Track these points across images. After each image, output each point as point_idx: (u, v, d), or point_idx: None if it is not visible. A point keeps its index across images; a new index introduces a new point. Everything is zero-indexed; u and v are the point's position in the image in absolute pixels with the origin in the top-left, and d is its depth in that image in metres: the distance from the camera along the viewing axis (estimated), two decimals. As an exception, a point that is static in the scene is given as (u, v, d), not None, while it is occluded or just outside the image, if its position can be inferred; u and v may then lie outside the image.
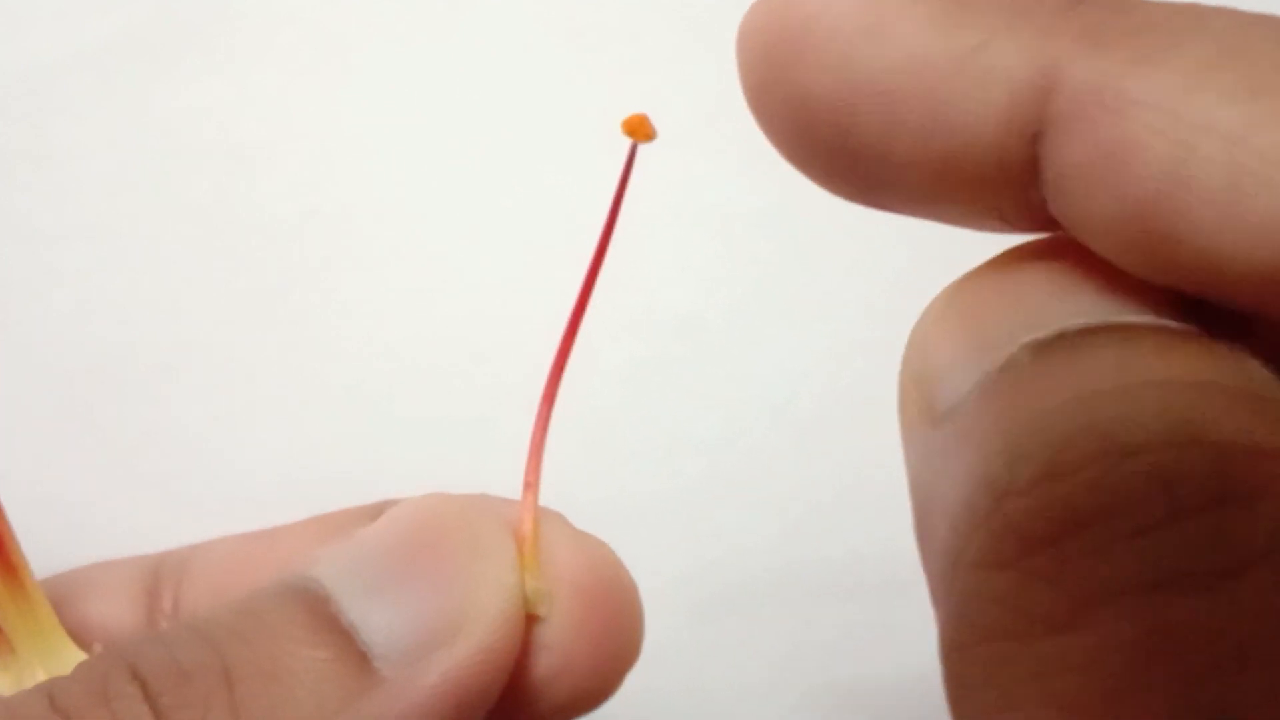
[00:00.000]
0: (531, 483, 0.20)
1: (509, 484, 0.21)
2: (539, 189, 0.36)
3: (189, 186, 0.36)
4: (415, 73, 0.37)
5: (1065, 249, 0.15)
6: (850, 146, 0.16)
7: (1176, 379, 0.14)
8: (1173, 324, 0.14)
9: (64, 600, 0.22)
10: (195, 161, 0.36)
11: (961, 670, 0.13)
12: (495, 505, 0.21)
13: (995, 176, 0.15)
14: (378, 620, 0.18)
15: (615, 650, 0.20)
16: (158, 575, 0.24)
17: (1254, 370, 0.14)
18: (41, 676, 0.20)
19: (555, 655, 0.20)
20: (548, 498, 0.21)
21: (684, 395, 0.34)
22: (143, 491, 0.35)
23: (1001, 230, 0.16)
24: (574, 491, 0.22)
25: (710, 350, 0.33)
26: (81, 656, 0.21)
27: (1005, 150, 0.15)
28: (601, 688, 0.20)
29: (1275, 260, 0.13)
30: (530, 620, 0.20)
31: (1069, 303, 0.15)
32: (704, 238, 0.36)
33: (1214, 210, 0.13)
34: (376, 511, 0.23)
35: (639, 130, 0.20)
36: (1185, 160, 0.14)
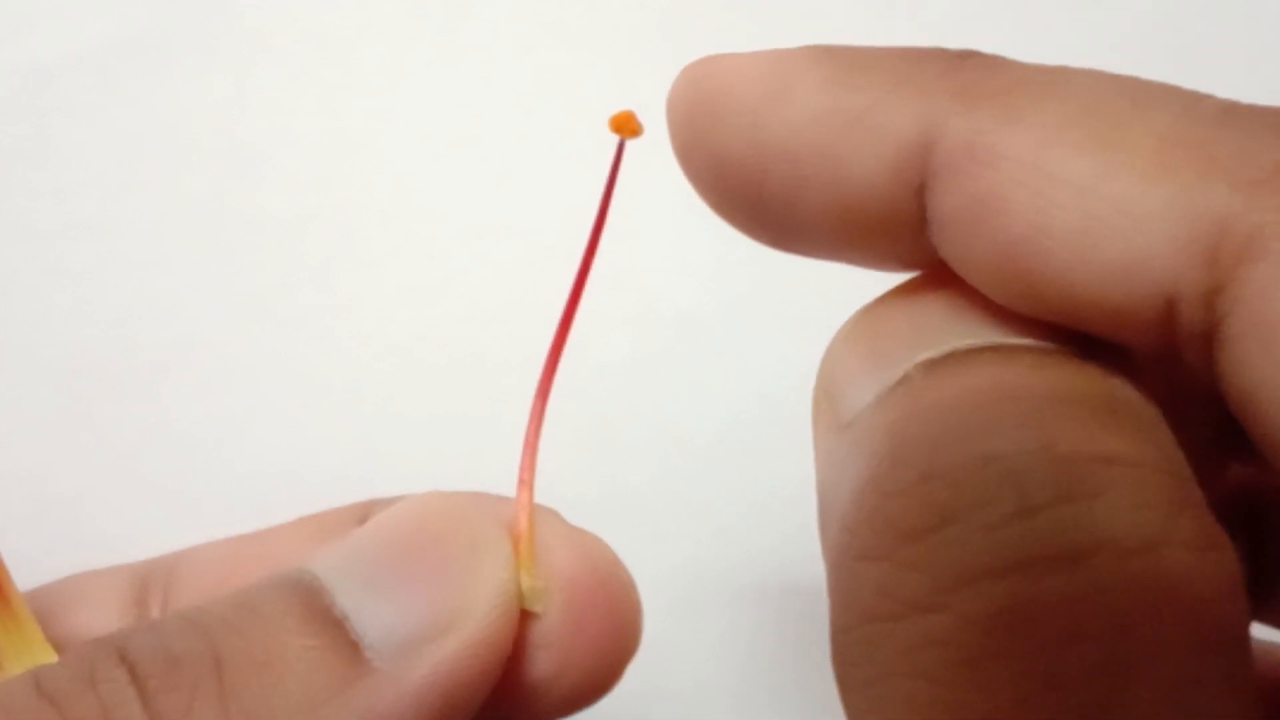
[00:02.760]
0: (526, 479, 0.20)
1: (505, 482, 0.21)
2: (537, 188, 0.36)
3: (189, 186, 0.36)
4: (414, 73, 0.37)
5: (960, 279, 0.17)
6: (763, 201, 0.17)
7: (1039, 394, 0.15)
8: (1048, 345, 0.16)
9: (50, 612, 0.22)
10: (195, 161, 0.36)
11: (845, 650, 0.15)
12: (491, 502, 0.21)
13: (889, 224, 0.17)
14: (371, 613, 0.18)
15: (613, 646, 0.20)
16: (145, 583, 0.24)
17: (1115, 387, 0.16)
18: None
19: (553, 652, 0.20)
20: (543, 494, 0.21)
21: (678, 391, 0.34)
22: (142, 491, 0.35)
23: (904, 270, 0.18)
24: (569, 488, 0.22)
25: (704, 345, 0.33)
26: None
27: (895, 201, 0.17)
28: (600, 683, 0.20)
29: (1124, 298, 0.15)
30: (527, 617, 0.20)
31: (960, 326, 0.17)
32: (699, 234, 0.35)
33: (1070, 254, 0.15)
34: (364, 511, 0.23)
35: (626, 126, 0.20)
36: (1044, 209, 0.15)
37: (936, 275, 0.17)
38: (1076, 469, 0.14)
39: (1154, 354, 0.16)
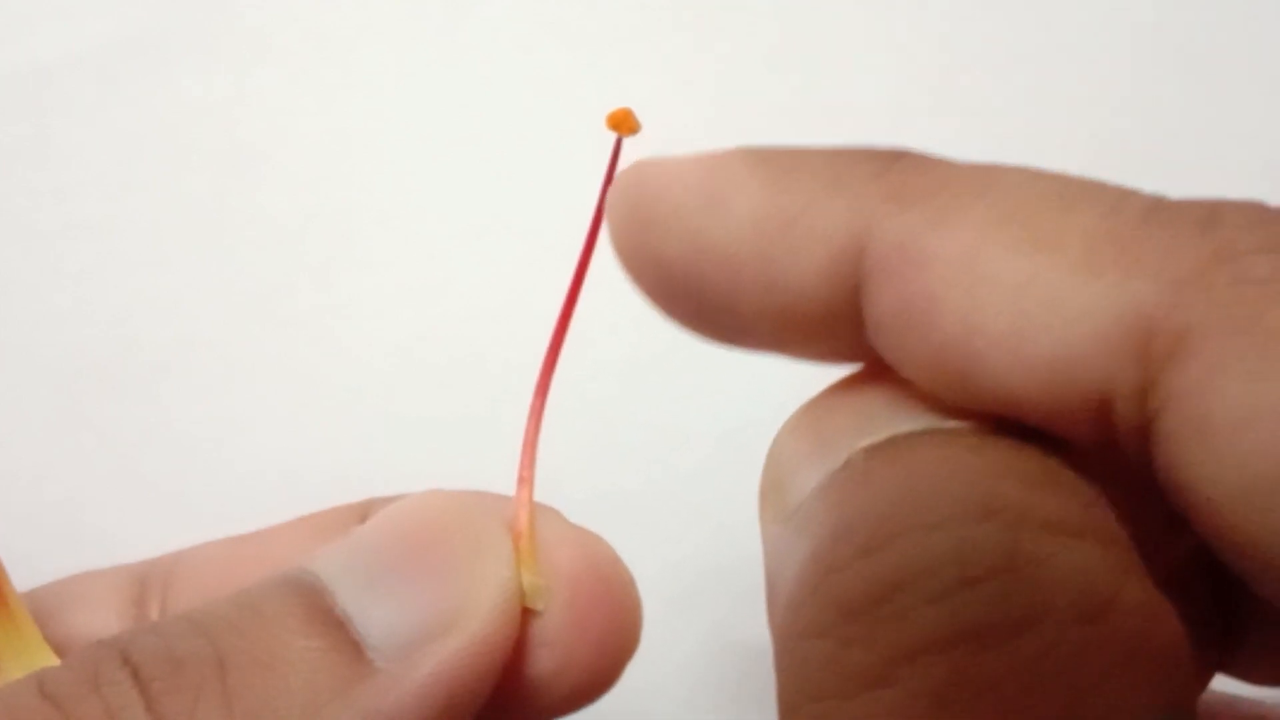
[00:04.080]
0: (526, 478, 0.21)
1: (505, 482, 0.21)
2: (537, 188, 0.36)
3: (189, 186, 0.36)
4: (414, 73, 0.37)
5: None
6: (704, 303, 0.18)
7: (979, 468, 0.16)
8: (987, 428, 0.16)
9: (49, 614, 0.22)
10: (196, 161, 0.36)
11: None
12: (491, 501, 0.21)
13: (827, 324, 0.17)
14: (373, 612, 0.18)
15: (613, 643, 0.20)
16: (144, 584, 0.24)
17: (1054, 464, 0.16)
18: None
19: (553, 649, 0.20)
20: (543, 493, 0.21)
21: (678, 389, 0.34)
22: (142, 491, 0.35)
23: (847, 362, 0.18)
24: (569, 487, 0.22)
25: (704, 344, 0.33)
26: None
27: (832, 302, 0.17)
28: (600, 681, 0.20)
29: (1058, 396, 0.15)
30: (528, 615, 0.20)
31: (901, 414, 0.17)
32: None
33: (1003, 354, 0.15)
34: (364, 510, 0.23)
35: (623, 124, 0.20)
36: (976, 310, 0.15)
37: (879, 368, 0.17)
38: (1018, 537, 0.14)
39: (1092, 444, 0.16)
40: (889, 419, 0.17)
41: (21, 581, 0.21)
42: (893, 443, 0.17)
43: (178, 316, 0.36)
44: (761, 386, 0.34)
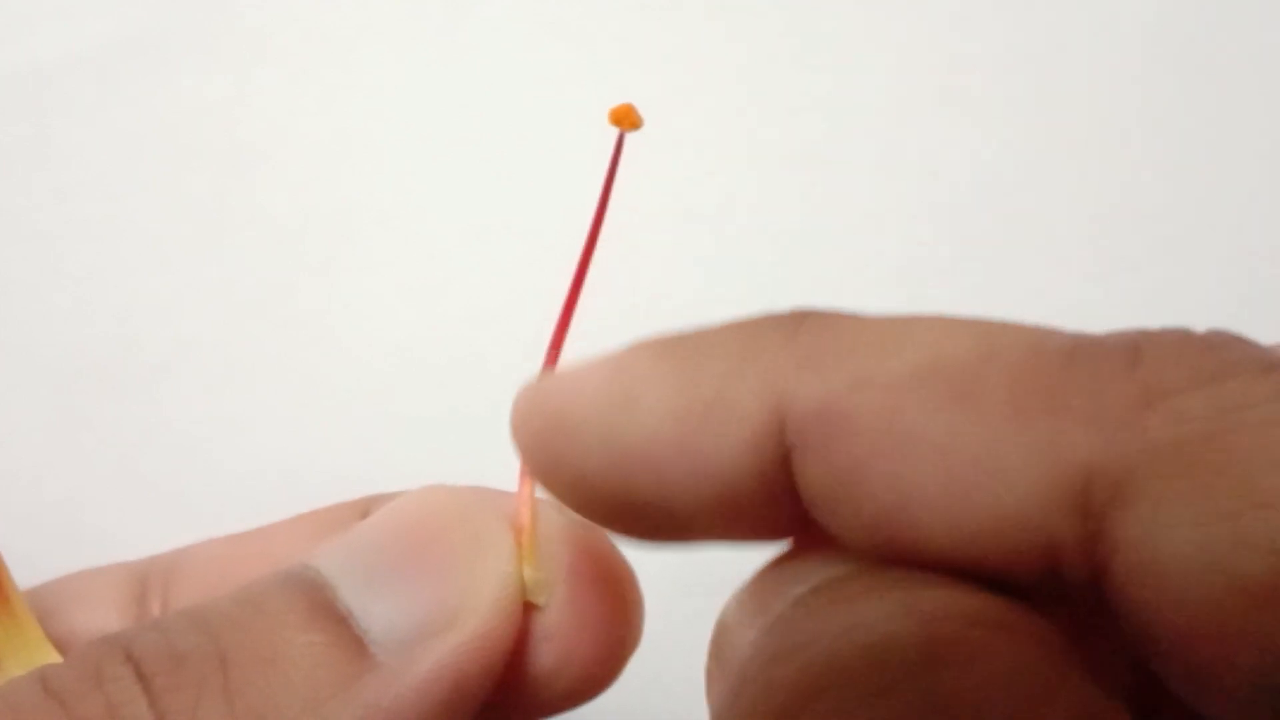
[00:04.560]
0: (527, 474, 0.20)
1: (506, 481, 0.21)
2: (537, 187, 0.36)
3: (189, 186, 0.36)
4: (414, 72, 0.37)
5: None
6: (633, 507, 0.17)
7: (902, 583, 0.15)
8: (917, 571, 0.15)
9: (50, 611, 0.22)
10: (196, 161, 0.36)
11: None
12: (493, 497, 0.21)
13: (764, 502, 0.16)
14: (375, 608, 0.18)
15: (615, 638, 0.20)
16: (145, 581, 0.24)
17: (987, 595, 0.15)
18: None
19: (555, 644, 0.20)
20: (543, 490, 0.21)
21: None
22: (142, 491, 0.35)
23: (791, 539, 0.17)
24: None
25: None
26: None
27: (763, 479, 0.16)
28: (602, 675, 0.20)
29: (1000, 555, 0.14)
30: (530, 609, 0.20)
31: (834, 565, 0.16)
32: (698, 227, 0.36)
33: (938, 517, 0.15)
34: (365, 507, 0.23)
35: (625, 119, 0.20)
36: (905, 474, 0.15)
37: (819, 537, 0.17)
38: (943, 633, 0.14)
39: (1038, 591, 0.15)
40: (823, 570, 0.16)
41: (22, 581, 0.21)
42: (821, 585, 0.16)
43: (178, 316, 0.36)
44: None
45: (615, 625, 0.20)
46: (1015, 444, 0.14)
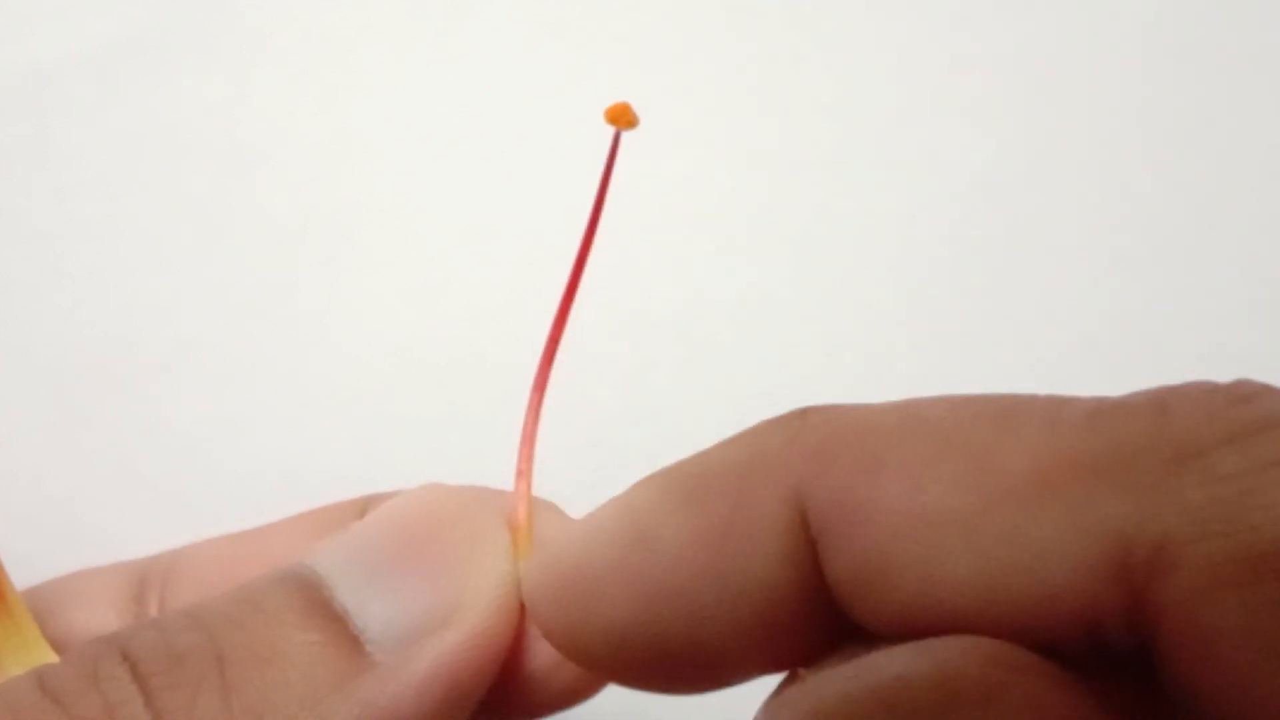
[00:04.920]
0: (524, 471, 0.21)
1: (504, 482, 0.21)
2: (537, 187, 0.36)
3: (189, 186, 0.36)
4: (415, 72, 0.37)
5: None
6: (669, 650, 0.16)
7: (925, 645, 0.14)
8: None
9: (48, 611, 0.22)
10: (196, 161, 0.36)
11: None
12: (490, 495, 0.21)
13: (800, 609, 0.16)
14: (372, 607, 0.18)
15: None
16: (144, 581, 0.24)
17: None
18: None
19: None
20: (539, 489, 0.21)
21: (675, 385, 0.34)
22: (141, 491, 0.35)
23: (830, 650, 0.16)
24: (565, 484, 0.22)
25: (701, 339, 0.33)
26: None
27: (796, 583, 0.15)
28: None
29: (1041, 631, 0.14)
30: (525, 609, 0.20)
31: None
32: (696, 225, 0.36)
33: (971, 600, 0.14)
34: (363, 506, 0.23)
35: (621, 118, 0.20)
36: (932, 558, 0.14)
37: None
38: (960, 673, 0.13)
39: (1080, 662, 0.14)
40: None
41: (21, 580, 0.21)
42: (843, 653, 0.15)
43: (178, 316, 0.36)
44: (760, 383, 0.34)
45: None
46: (1046, 516, 0.14)
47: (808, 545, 0.15)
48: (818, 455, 0.15)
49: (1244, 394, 0.14)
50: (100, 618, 0.23)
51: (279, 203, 0.36)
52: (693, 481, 0.16)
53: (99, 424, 0.35)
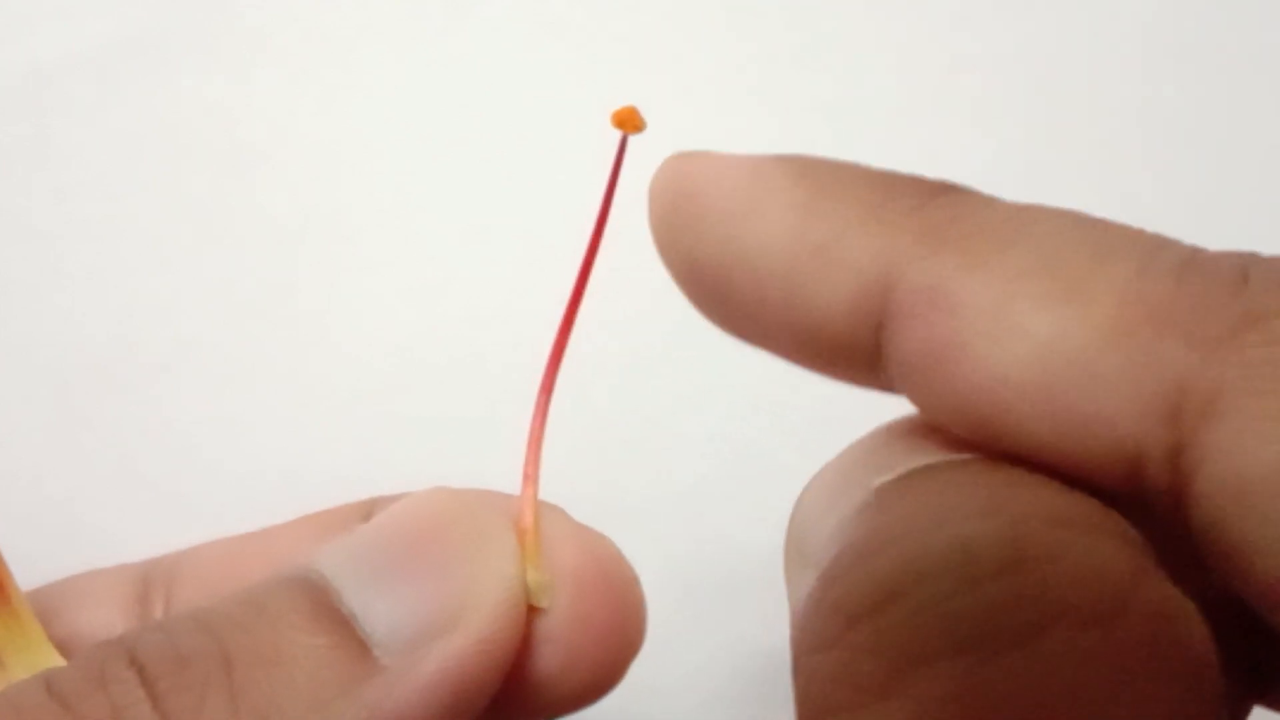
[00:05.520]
0: (531, 475, 0.20)
1: (507, 484, 0.21)
2: (538, 187, 0.36)
3: (189, 186, 0.36)
4: (415, 72, 0.37)
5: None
6: (730, 307, 0.18)
7: (986, 479, 0.15)
8: (1003, 460, 0.16)
9: (53, 612, 0.22)
10: (196, 162, 0.36)
11: None
12: (496, 499, 0.21)
13: (847, 354, 0.17)
14: (378, 609, 0.18)
15: (618, 642, 0.20)
16: (148, 582, 0.24)
17: (1062, 483, 0.15)
18: None
19: (558, 647, 0.20)
20: (547, 491, 0.21)
21: (684, 387, 0.34)
22: (142, 492, 0.35)
23: (865, 386, 0.18)
24: (570, 486, 0.22)
25: (707, 343, 0.33)
26: None
27: (853, 335, 0.17)
28: (604, 679, 0.20)
29: (1085, 453, 0.15)
30: (532, 612, 0.20)
31: (918, 453, 0.17)
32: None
33: (1029, 407, 0.15)
34: (367, 508, 0.23)
35: (628, 122, 0.20)
36: (1003, 361, 0.15)
37: (898, 421, 0.17)
38: (1024, 532, 0.14)
39: (1120, 494, 0.15)
40: (905, 459, 0.17)
41: (21, 581, 0.21)
42: (905, 476, 0.16)
43: (178, 316, 0.36)
44: (769, 387, 0.34)
45: (618, 628, 0.20)
46: (1116, 349, 0.15)
47: (879, 312, 0.16)
48: (928, 236, 0.16)
49: None
50: (104, 619, 0.23)
51: (279, 203, 0.36)
52: (817, 191, 0.17)
53: (99, 424, 0.35)
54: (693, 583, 0.32)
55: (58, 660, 0.21)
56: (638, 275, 0.35)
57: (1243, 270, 0.15)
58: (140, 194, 0.36)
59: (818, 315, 0.17)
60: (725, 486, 0.33)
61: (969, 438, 0.16)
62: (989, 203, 0.17)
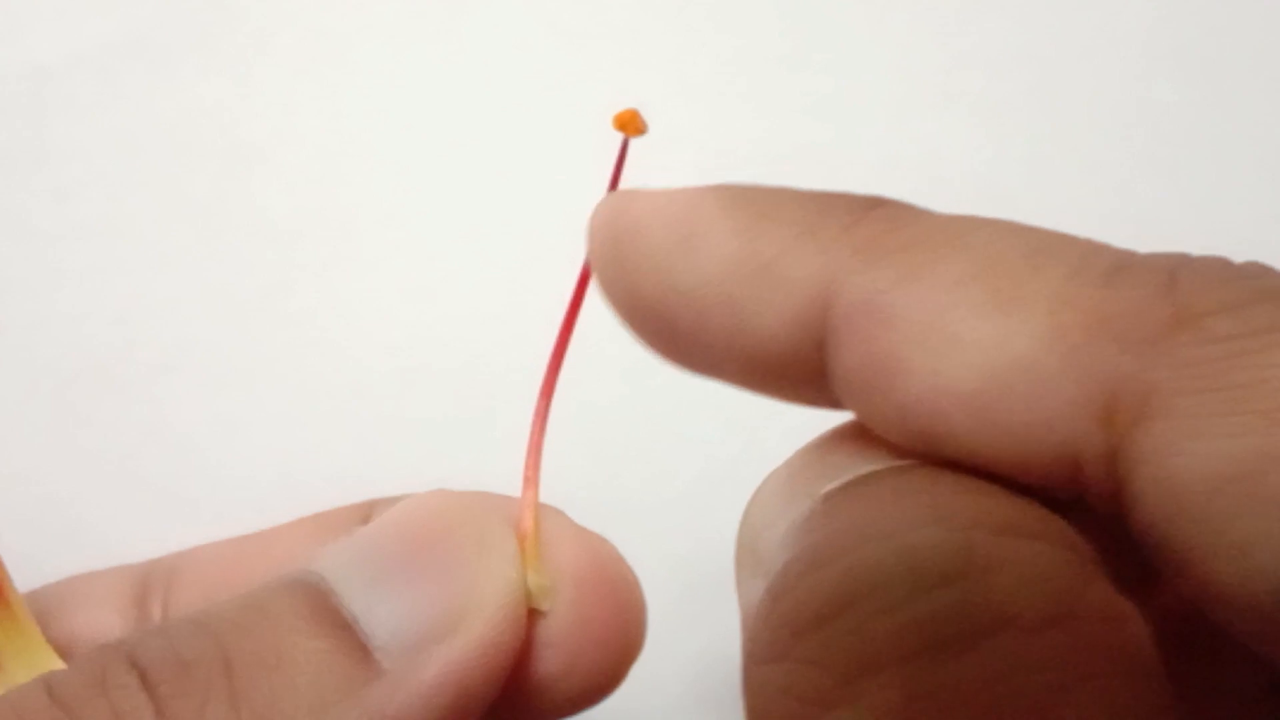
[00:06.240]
0: (531, 478, 0.20)
1: (507, 485, 0.21)
2: (539, 186, 0.36)
3: (189, 186, 0.36)
4: (415, 72, 0.37)
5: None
6: (675, 337, 0.18)
7: (932, 487, 0.16)
8: (947, 466, 0.16)
9: (51, 614, 0.22)
10: (196, 161, 0.36)
11: None
12: (496, 501, 0.21)
13: (792, 372, 0.17)
14: (379, 613, 0.18)
15: (618, 644, 0.20)
16: (146, 584, 0.24)
17: (1005, 488, 0.15)
18: None
19: (559, 650, 0.20)
20: (548, 494, 0.21)
21: (683, 390, 0.34)
22: (141, 492, 0.34)
23: (813, 405, 0.18)
24: (571, 488, 0.22)
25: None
26: None
27: (797, 352, 0.17)
28: (605, 682, 0.20)
29: (1025, 457, 0.15)
30: (533, 615, 0.20)
31: (865, 459, 0.17)
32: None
33: (969, 415, 0.15)
34: (366, 510, 0.23)
35: (630, 124, 0.20)
36: (941, 370, 0.15)
37: (849, 425, 0.18)
38: (971, 539, 0.14)
39: (1061, 498, 0.16)
40: (852, 465, 0.17)
41: (21, 581, 0.21)
42: (852, 483, 0.16)
43: (178, 316, 0.36)
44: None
45: (618, 631, 0.20)
46: (1050, 355, 0.15)
47: (821, 327, 0.16)
48: (864, 250, 0.16)
49: (1252, 271, 0.15)
50: (103, 621, 0.23)
51: (279, 203, 0.36)
52: (752, 215, 0.17)
53: (99, 424, 0.35)
54: (693, 583, 0.32)
55: (56, 663, 0.21)
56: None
57: (1171, 272, 0.15)
58: (140, 194, 0.36)
59: (762, 336, 0.17)
60: (725, 486, 0.33)
61: (912, 448, 0.16)
62: (922, 215, 0.17)
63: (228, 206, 0.36)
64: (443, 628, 0.18)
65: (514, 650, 0.19)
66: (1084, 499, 0.15)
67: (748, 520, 0.18)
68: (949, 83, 0.37)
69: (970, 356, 0.15)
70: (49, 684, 0.17)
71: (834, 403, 0.17)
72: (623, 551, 0.21)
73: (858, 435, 0.17)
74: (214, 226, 0.36)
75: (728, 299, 0.17)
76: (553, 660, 0.20)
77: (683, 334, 0.18)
